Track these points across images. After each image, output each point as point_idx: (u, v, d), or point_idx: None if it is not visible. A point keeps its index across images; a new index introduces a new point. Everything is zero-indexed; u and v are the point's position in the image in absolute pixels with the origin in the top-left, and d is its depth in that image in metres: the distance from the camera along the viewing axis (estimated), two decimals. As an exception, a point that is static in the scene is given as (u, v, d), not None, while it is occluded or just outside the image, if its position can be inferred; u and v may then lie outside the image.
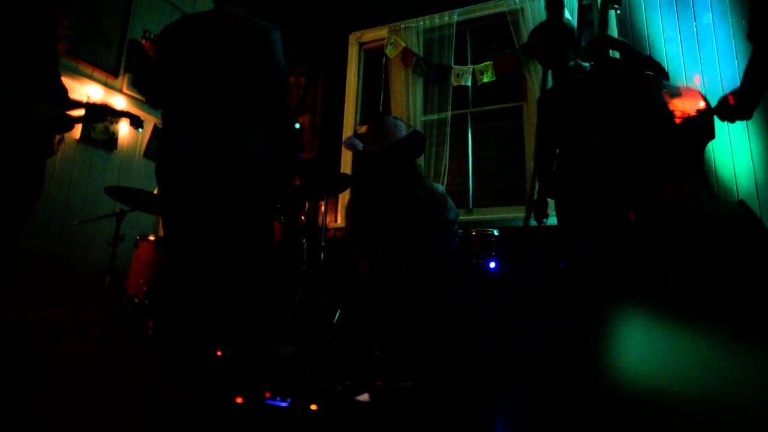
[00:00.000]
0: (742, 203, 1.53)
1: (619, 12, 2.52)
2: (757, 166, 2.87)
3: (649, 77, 1.74)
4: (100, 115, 2.69)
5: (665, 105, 1.66)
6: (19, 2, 2.27)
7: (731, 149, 2.93)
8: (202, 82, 1.74)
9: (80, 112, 2.55)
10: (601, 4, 2.00)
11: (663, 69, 1.87)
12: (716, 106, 1.61)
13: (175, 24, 1.92)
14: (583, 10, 3.42)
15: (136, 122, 2.82)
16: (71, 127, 2.57)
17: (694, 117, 1.63)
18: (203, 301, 1.67)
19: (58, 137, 2.42)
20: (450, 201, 2.66)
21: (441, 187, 2.77)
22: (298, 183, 3.42)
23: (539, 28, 2.23)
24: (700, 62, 3.13)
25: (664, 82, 1.75)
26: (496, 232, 3.01)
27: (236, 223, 1.72)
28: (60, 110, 2.39)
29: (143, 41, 2.37)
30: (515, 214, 3.56)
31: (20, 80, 2.20)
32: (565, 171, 2.00)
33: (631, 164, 1.67)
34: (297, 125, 1.93)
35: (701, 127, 1.64)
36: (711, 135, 1.66)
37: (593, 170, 1.70)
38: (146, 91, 1.96)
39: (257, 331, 1.75)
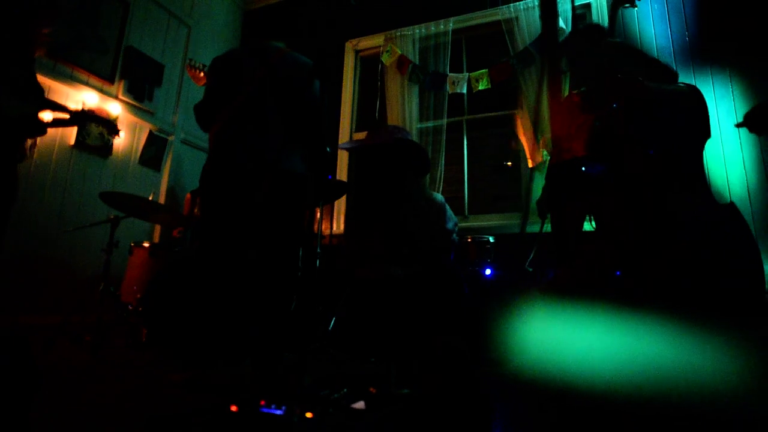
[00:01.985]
0: (732, 206, 1.54)
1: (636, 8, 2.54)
2: (750, 174, 2.90)
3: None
4: (79, 120, 2.65)
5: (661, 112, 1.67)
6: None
7: (723, 157, 2.96)
8: (250, 110, 1.94)
9: (61, 116, 2.52)
10: (612, 4, 2.03)
11: (671, 70, 1.89)
12: (746, 118, 1.62)
13: (224, 55, 2.14)
14: (577, 18, 3.46)
15: (111, 130, 2.83)
16: (43, 131, 2.50)
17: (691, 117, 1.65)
18: (226, 312, 1.72)
19: (29, 141, 2.37)
20: (449, 210, 2.67)
21: (440, 196, 2.78)
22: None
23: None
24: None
25: (663, 86, 1.76)
26: (491, 239, 3.02)
27: (276, 235, 1.91)
28: (31, 110, 2.32)
29: (188, 69, 2.50)
30: (511, 221, 3.57)
31: None
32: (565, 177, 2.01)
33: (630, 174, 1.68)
34: (328, 149, 2.13)
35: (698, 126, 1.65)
36: (707, 134, 1.67)
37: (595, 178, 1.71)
38: (199, 116, 2.12)
39: (270, 338, 1.78)
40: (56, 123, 2.56)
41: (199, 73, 2.55)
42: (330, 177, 2.05)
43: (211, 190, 1.95)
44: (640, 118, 1.65)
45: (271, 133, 1.93)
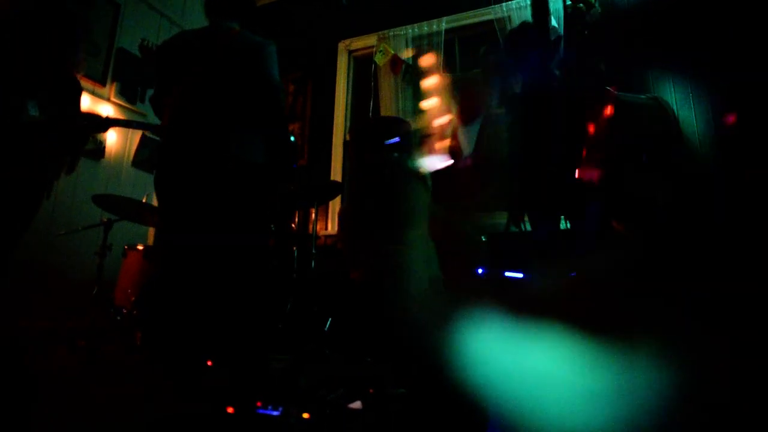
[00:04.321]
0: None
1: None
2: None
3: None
4: (105, 126, 2.55)
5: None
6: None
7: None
8: (199, 95, 1.79)
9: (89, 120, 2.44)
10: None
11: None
12: None
13: (172, 39, 1.98)
14: (568, 17, 3.48)
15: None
16: (75, 144, 2.34)
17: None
18: (197, 309, 1.67)
19: (68, 155, 2.23)
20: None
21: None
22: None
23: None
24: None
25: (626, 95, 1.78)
26: (483, 238, 3.02)
27: (233, 229, 1.75)
28: (49, 116, 2.16)
29: (140, 49, 2.38)
30: (503, 219, 3.57)
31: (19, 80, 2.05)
32: (538, 175, 2.03)
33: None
34: (292, 138, 1.99)
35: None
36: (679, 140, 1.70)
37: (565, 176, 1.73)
38: (153, 106, 2.00)
39: (250, 340, 1.74)
40: (84, 132, 2.45)
41: (153, 55, 2.46)
42: (294, 166, 1.91)
43: (162, 182, 1.80)
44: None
45: (222, 120, 1.77)
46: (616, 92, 1.76)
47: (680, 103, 3.08)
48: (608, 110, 1.70)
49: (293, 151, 2.07)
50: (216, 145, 1.73)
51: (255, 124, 1.82)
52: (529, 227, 2.34)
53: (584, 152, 1.73)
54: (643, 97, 1.80)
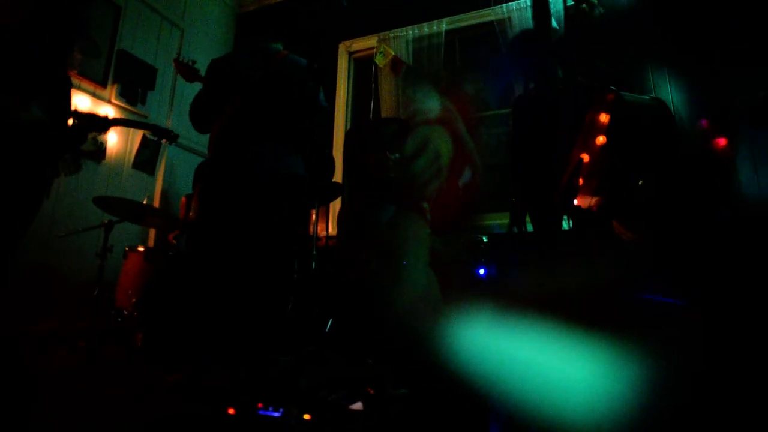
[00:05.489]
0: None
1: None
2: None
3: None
4: (104, 127, 2.56)
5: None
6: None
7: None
8: (249, 112, 1.94)
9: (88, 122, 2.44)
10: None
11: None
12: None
13: (223, 58, 2.14)
14: (569, 18, 3.48)
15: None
16: (72, 143, 2.26)
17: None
18: (201, 311, 1.70)
19: (66, 156, 2.28)
20: None
21: None
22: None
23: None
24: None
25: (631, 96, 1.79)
26: (485, 239, 3.02)
27: (272, 239, 1.91)
28: (46, 117, 2.11)
29: (175, 64, 2.45)
30: (505, 220, 3.57)
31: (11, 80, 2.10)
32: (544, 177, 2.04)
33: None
34: (327, 152, 2.11)
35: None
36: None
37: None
38: (195, 118, 2.12)
39: (251, 341, 1.76)
40: (81, 130, 2.44)
41: (188, 69, 2.51)
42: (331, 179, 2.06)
43: (210, 193, 1.95)
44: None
45: (271, 137, 1.93)
46: (620, 93, 1.76)
47: (677, 101, 3.08)
48: (605, 118, 1.71)
49: (330, 165, 2.25)
50: (264, 160, 1.88)
51: (298, 141, 2.00)
52: (530, 228, 2.34)
53: (585, 157, 1.73)
54: (646, 98, 1.81)
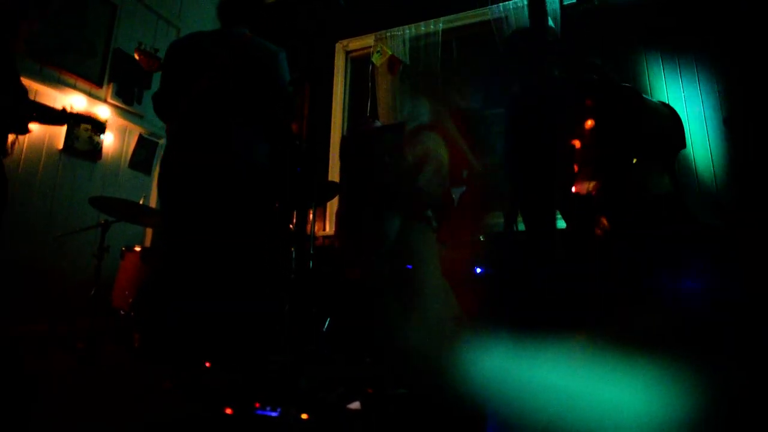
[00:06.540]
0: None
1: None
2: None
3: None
4: (61, 118, 2.52)
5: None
6: None
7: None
8: (209, 98, 1.82)
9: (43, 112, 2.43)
10: None
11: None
12: None
13: (183, 39, 2.01)
14: (566, 18, 3.48)
15: (97, 128, 2.73)
16: (23, 128, 2.32)
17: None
18: (195, 310, 1.67)
19: (11, 137, 2.24)
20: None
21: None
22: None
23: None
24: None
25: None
26: (482, 238, 3.02)
27: (235, 230, 1.79)
28: (5, 103, 2.17)
29: (137, 53, 2.38)
30: (500, 219, 3.58)
31: None
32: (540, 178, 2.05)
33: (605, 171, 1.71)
34: (297, 142, 2.05)
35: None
36: (682, 145, 1.71)
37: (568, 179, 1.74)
38: (158, 105, 2.00)
39: (249, 341, 1.74)
40: (38, 118, 2.44)
41: (151, 57, 2.45)
42: (299, 170, 1.95)
43: (170, 184, 1.83)
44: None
45: (234, 124, 1.82)
46: (641, 95, 1.78)
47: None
48: (589, 102, 1.72)
49: (300, 155, 2.13)
50: (224, 147, 1.77)
51: (262, 129, 1.88)
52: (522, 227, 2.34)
53: (580, 154, 1.74)
54: (657, 102, 1.83)
